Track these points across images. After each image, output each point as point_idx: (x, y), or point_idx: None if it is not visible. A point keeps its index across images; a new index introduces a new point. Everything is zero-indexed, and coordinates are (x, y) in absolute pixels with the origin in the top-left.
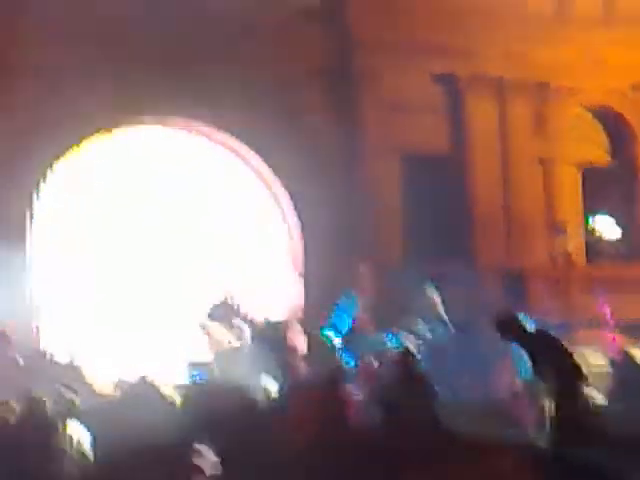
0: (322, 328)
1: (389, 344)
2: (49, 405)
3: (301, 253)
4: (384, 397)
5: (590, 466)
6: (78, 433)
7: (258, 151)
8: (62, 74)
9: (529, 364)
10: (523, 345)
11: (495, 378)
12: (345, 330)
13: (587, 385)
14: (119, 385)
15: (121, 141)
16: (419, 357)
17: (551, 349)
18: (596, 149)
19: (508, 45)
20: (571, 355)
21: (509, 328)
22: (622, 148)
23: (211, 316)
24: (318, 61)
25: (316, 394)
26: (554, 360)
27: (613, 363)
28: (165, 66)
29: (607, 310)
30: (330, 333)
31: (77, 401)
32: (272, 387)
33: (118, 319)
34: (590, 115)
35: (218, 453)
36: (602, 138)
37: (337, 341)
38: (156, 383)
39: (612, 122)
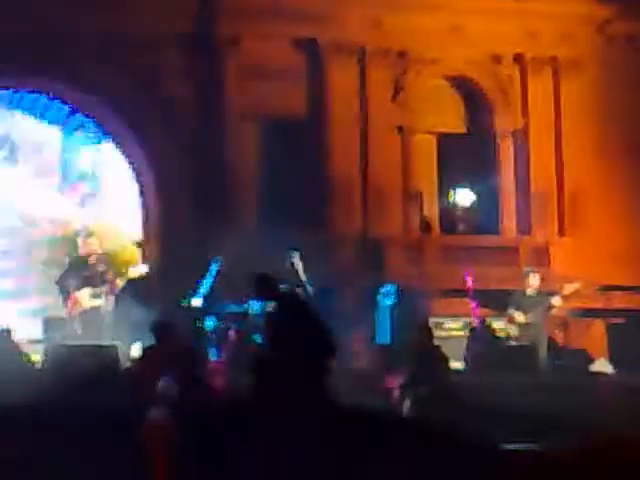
0: (185, 295)
1: (250, 309)
2: None
3: (157, 215)
4: (253, 366)
5: (446, 432)
6: None
7: (118, 111)
8: None
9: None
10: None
11: (354, 344)
12: (206, 293)
13: (443, 356)
14: None
15: None
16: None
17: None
18: (454, 119)
19: (369, 12)
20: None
21: (264, 287)
22: (479, 118)
23: (71, 276)
24: (181, 25)
25: (171, 352)
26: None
27: (471, 332)
28: (20, 25)
29: (469, 279)
30: (195, 299)
31: None
32: (133, 348)
33: None
34: (449, 85)
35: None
36: (460, 108)
37: (198, 303)
38: (14, 339)
39: (470, 92)
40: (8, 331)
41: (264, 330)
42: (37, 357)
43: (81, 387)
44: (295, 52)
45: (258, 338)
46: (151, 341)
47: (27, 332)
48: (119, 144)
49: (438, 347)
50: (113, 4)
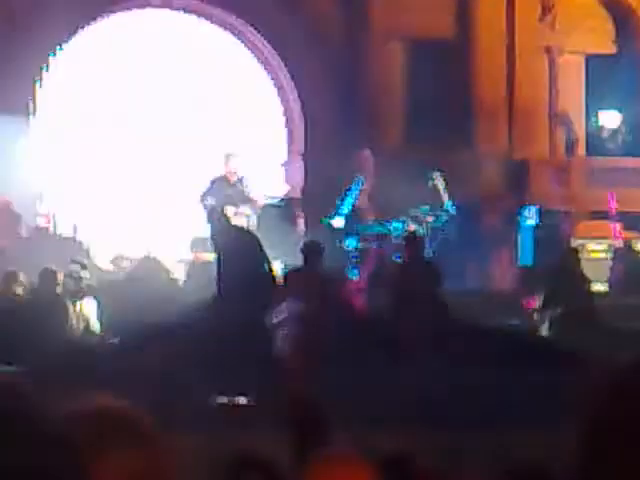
0: (327, 215)
1: (392, 230)
2: (60, 278)
3: (302, 134)
4: (390, 282)
5: (584, 354)
6: (87, 307)
7: (258, 29)
8: None
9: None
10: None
11: (496, 265)
12: (347, 212)
13: (585, 277)
14: (123, 261)
15: (118, 24)
16: (425, 241)
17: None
18: (603, 39)
19: None
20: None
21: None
22: (628, 39)
23: (213, 194)
24: None
25: (316, 275)
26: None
27: (615, 254)
28: None
29: (613, 202)
30: (337, 219)
31: (86, 276)
32: (278, 266)
33: (121, 197)
34: (598, 4)
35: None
36: (610, 28)
37: (339, 223)
38: (159, 259)
39: (620, 12)
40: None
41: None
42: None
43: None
44: None
45: (398, 259)
46: (295, 261)
47: (176, 252)
48: (263, 63)
49: (582, 269)
50: None
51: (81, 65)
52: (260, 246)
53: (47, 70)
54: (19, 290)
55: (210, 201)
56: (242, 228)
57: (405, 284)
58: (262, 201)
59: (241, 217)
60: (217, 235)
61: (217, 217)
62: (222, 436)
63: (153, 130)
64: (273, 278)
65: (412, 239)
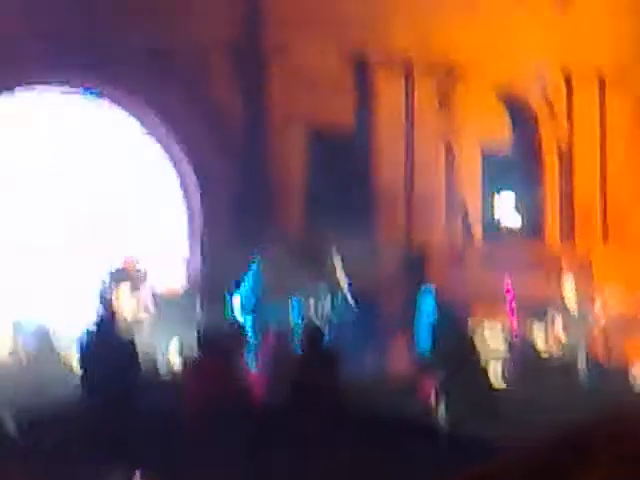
0: (227, 295)
1: (291, 314)
2: None
3: (201, 221)
4: (292, 375)
5: (481, 442)
6: None
7: (163, 118)
8: None
9: (430, 340)
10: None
11: (394, 350)
12: (247, 293)
13: (481, 367)
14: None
15: (24, 107)
16: (325, 333)
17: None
18: (499, 130)
19: (416, 24)
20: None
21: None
22: (524, 130)
23: (115, 280)
24: (227, 33)
25: (213, 365)
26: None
27: (511, 345)
28: (69, 35)
29: (509, 288)
30: (237, 310)
31: None
32: (174, 358)
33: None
34: (495, 97)
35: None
36: (505, 117)
37: (237, 304)
38: (54, 345)
39: (516, 104)
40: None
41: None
42: None
43: None
44: (342, 62)
45: (295, 340)
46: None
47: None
48: (163, 148)
49: (478, 354)
50: (161, 12)
51: None
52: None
53: None
54: None
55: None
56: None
57: (302, 377)
58: (160, 286)
59: (135, 299)
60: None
61: (104, 304)
62: None
63: (52, 215)
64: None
65: (310, 332)
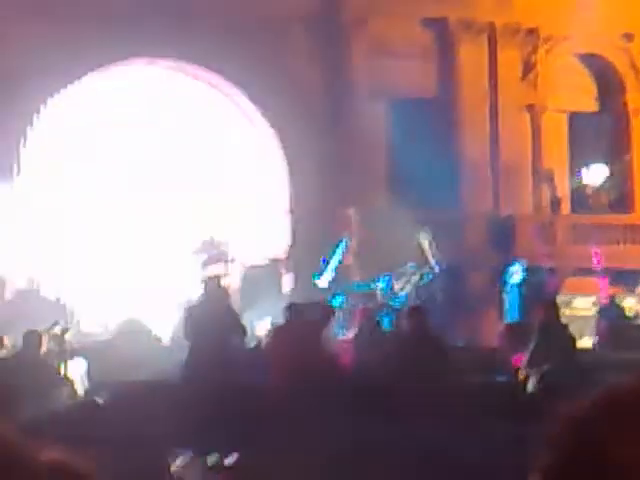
0: (314, 273)
1: (378, 288)
2: (44, 341)
3: (288, 193)
4: (389, 350)
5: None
6: (71, 368)
7: (246, 92)
8: (47, 17)
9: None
10: None
11: (482, 322)
12: (333, 272)
13: (570, 334)
14: (108, 324)
15: (109, 83)
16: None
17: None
18: (585, 97)
19: None
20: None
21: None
22: (611, 96)
23: (201, 255)
24: (305, 5)
25: (301, 333)
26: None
27: (600, 310)
28: (152, 8)
29: (598, 257)
30: (323, 277)
31: (69, 338)
32: (262, 327)
33: (105, 259)
34: (579, 62)
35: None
36: (591, 86)
37: (324, 283)
38: (144, 322)
39: (601, 70)
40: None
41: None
42: None
43: None
44: (423, 31)
45: (384, 317)
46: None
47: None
48: (250, 123)
49: (565, 325)
50: None
51: (67, 123)
52: (233, 314)
53: (32, 129)
54: (3, 353)
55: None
56: (218, 294)
57: (405, 357)
58: (247, 262)
59: (225, 277)
60: (199, 302)
61: (213, 285)
62: None
63: (139, 190)
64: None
65: (417, 311)
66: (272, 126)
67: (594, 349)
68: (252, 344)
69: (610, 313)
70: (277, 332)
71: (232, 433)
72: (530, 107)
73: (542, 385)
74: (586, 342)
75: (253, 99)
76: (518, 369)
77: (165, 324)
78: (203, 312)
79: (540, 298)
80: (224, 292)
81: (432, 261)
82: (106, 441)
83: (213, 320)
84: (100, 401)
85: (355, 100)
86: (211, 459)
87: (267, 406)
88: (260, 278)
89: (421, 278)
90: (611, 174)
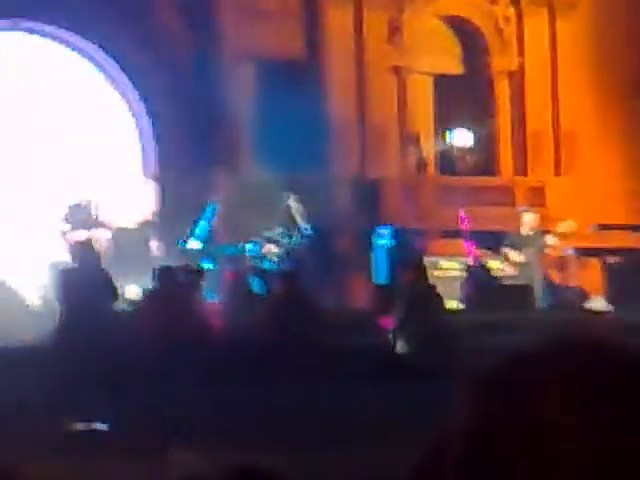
0: (180, 239)
1: (248, 251)
2: None
3: (155, 158)
4: (257, 312)
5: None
6: None
7: (109, 51)
8: None
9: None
10: None
11: (351, 285)
12: (204, 236)
13: (438, 295)
14: None
15: None
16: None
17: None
18: (450, 60)
19: None
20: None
21: None
22: (475, 59)
23: (68, 220)
24: None
25: (169, 297)
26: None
27: (467, 272)
28: None
29: (464, 220)
30: (191, 241)
31: None
32: (131, 290)
33: None
34: (445, 25)
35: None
36: (457, 49)
37: (195, 245)
38: (10, 285)
39: (466, 33)
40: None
41: None
42: None
43: None
44: None
45: (254, 279)
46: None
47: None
48: (112, 84)
49: (433, 286)
50: None
51: None
52: (105, 277)
53: None
54: None
55: (67, 227)
56: (89, 257)
57: (277, 320)
58: (115, 225)
59: (95, 241)
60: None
61: (84, 249)
62: (80, 466)
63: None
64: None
65: (287, 275)
66: (136, 86)
67: (462, 311)
68: (123, 307)
69: (477, 274)
70: (147, 296)
71: (104, 395)
72: (396, 69)
73: (411, 345)
74: (454, 304)
75: (117, 58)
76: (387, 330)
77: (34, 287)
78: (74, 276)
79: (407, 260)
80: (95, 255)
81: (301, 225)
82: None
83: (85, 284)
84: None
85: (222, 58)
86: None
87: (138, 369)
88: (129, 242)
89: (290, 242)
90: (477, 137)
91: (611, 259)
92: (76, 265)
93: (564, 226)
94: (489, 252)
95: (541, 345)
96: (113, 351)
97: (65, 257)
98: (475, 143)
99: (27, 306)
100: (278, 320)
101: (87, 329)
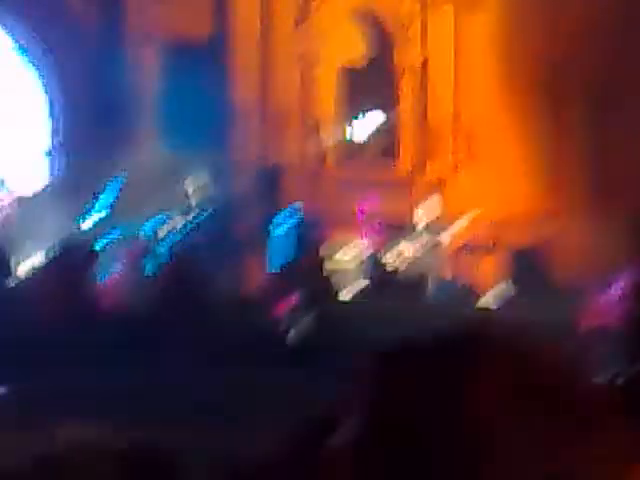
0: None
1: (143, 232)
2: None
3: (61, 127)
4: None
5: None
6: None
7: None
8: None
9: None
10: None
11: (246, 271)
12: (101, 214)
13: (331, 285)
14: None
15: None
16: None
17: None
18: (356, 52)
19: None
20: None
21: None
22: (380, 52)
23: None
24: None
25: (63, 274)
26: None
27: (361, 264)
28: None
29: (362, 211)
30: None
31: None
32: (24, 266)
33: None
34: (352, 16)
35: None
36: (363, 39)
37: (90, 224)
38: None
39: (373, 24)
40: None
41: None
42: None
43: None
44: None
45: (147, 262)
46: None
47: None
48: (24, 52)
49: (326, 276)
50: None
51: None
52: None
53: None
54: None
55: None
56: None
57: (166, 304)
58: (17, 195)
59: None
60: None
61: None
62: None
63: None
64: None
65: (180, 258)
66: (46, 61)
67: (355, 302)
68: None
69: (370, 268)
70: (39, 273)
71: None
72: (302, 57)
73: (304, 335)
74: (347, 295)
75: (29, 27)
76: (280, 319)
77: None
78: None
79: (304, 249)
80: None
81: (198, 207)
82: None
83: None
84: None
85: (127, 39)
86: None
87: (28, 343)
88: (29, 213)
89: (186, 224)
90: (378, 128)
91: (507, 255)
92: None
93: (460, 221)
94: (383, 246)
95: (426, 337)
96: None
97: None
98: (376, 134)
99: None
100: (168, 302)
101: None
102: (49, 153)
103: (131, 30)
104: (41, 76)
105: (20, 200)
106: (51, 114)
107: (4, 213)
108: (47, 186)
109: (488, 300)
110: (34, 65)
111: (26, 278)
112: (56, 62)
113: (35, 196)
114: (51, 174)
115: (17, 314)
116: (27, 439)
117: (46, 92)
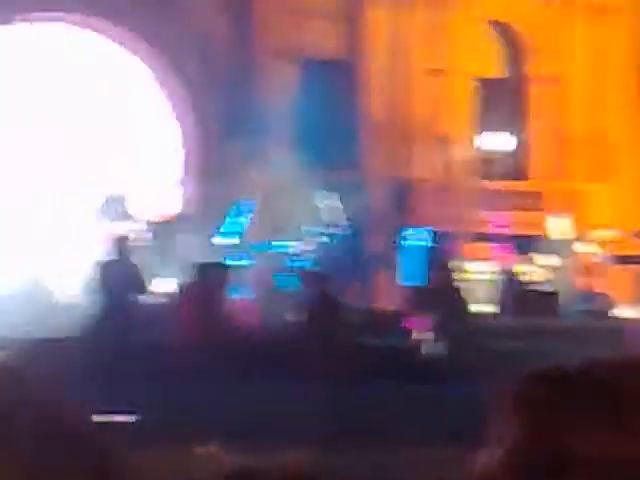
0: (213, 233)
1: (280, 249)
2: None
3: (196, 151)
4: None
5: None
6: None
7: (149, 42)
8: None
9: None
10: None
11: (380, 285)
12: (237, 232)
13: (463, 298)
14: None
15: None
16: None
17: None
18: (492, 63)
19: None
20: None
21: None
22: (517, 63)
23: (104, 213)
24: None
25: (204, 292)
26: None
27: (499, 277)
28: None
29: (497, 224)
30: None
31: None
32: (162, 285)
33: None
34: (489, 29)
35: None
36: (499, 52)
37: (226, 243)
38: (44, 279)
39: (510, 38)
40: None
41: None
42: None
43: None
44: None
45: (284, 277)
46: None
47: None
48: (156, 79)
49: (459, 289)
50: None
51: None
52: (138, 273)
53: None
54: None
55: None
56: (126, 252)
57: (305, 320)
58: (149, 218)
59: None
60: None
61: (121, 243)
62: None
63: (38, 146)
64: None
65: (316, 275)
66: (178, 82)
67: (494, 316)
68: (153, 302)
69: (506, 279)
70: (181, 292)
71: (137, 391)
72: (436, 71)
73: (436, 348)
74: (483, 308)
75: (159, 54)
76: (412, 332)
77: (68, 281)
78: (112, 271)
79: (437, 262)
80: (130, 251)
81: (334, 224)
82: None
83: (122, 279)
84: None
85: (261, 56)
86: None
87: (173, 365)
88: (163, 236)
89: (323, 240)
90: (511, 141)
91: None
92: (112, 258)
93: (598, 233)
94: (520, 257)
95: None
96: (142, 344)
97: (101, 251)
98: (513, 147)
99: (57, 302)
100: (305, 319)
101: (116, 323)
102: (182, 182)
103: (265, 47)
104: (175, 107)
105: (155, 223)
106: (184, 144)
107: (137, 242)
108: (181, 213)
109: (627, 311)
110: (170, 97)
111: (165, 299)
112: (192, 93)
113: (169, 222)
114: (184, 200)
115: (156, 331)
116: (169, 460)
117: (178, 114)
